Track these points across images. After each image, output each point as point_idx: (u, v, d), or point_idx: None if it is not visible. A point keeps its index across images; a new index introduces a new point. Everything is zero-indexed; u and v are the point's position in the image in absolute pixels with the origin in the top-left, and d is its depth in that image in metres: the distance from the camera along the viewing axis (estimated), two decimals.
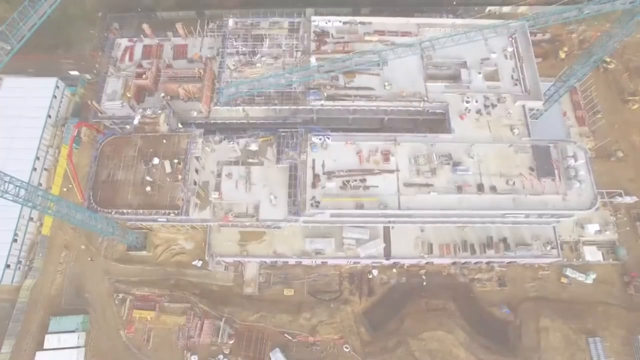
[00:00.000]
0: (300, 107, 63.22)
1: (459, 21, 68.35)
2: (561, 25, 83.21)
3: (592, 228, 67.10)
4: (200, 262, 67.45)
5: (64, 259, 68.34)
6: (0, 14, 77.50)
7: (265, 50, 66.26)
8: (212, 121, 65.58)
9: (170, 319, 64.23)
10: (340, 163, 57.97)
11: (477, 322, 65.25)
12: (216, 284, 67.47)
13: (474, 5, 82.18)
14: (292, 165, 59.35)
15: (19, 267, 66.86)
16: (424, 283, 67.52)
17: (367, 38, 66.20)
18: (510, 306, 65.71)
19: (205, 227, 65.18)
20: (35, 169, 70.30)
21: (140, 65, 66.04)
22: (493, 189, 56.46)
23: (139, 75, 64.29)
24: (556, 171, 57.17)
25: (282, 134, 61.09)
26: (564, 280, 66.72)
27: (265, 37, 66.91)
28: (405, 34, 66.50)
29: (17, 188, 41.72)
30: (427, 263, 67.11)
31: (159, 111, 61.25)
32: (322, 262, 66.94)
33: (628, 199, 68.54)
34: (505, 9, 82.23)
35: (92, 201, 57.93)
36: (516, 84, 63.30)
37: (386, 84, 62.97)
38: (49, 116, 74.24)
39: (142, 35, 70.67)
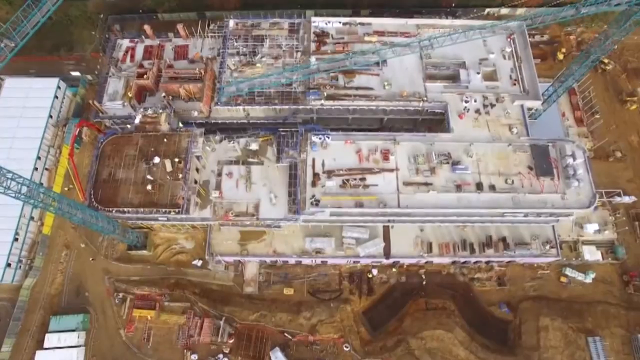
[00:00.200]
0: (300, 107, 63.57)
1: (457, 22, 68.95)
2: (559, 27, 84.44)
3: (591, 228, 67.41)
4: (201, 261, 67.65)
5: (64, 258, 68.58)
6: (2, 15, 78.30)
7: (266, 51, 66.73)
8: (212, 121, 65.88)
9: (170, 318, 64.40)
10: (340, 162, 58.33)
11: (477, 321, 65.45)
12: (216, 284, 67.65)
13: (472, 7, 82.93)
14: (292, 164, 59.71)
15: (20, 266, 67.06)
16: (424, 282, 67.71)
17: (366, 39, 66.71)
18: (510, 305, 65.94)
19: (206, 226, 65.45)
20: (36, 169, 70.65)
21: (141, 66, 66.45)
22: (492, 187, 56.80)
23: (140, 75, 64.68)
24: (555, 170, 57.49)
25: (282, 133, 61.46)
26: (563, 279, 66.92)
27: (266, 38, 67.42)
28: (404, 34, 67.00)
29: (19, 185, 42.01)
30: (426, 262, 67.34)
31: (160, 110, 61.64)
32: (322, 262, 67.14)
33: (627, 199, 68.82)
34: (504, 11, 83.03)
35: (93, 200, 58.12)
36: (515, 84, 63.76)
37: (385, 84, 63.42)
38: (50, 116, 74.68)
39: (143, 36, 71.25)
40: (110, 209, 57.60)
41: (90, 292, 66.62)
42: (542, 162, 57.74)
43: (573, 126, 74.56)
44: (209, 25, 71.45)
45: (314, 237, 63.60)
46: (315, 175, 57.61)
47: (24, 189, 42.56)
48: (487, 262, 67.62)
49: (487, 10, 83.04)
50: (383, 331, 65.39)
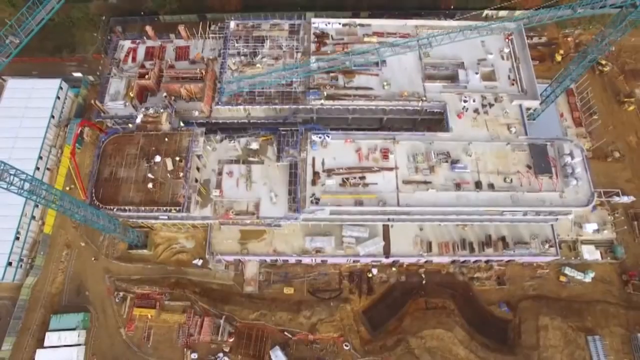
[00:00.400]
0: (301, 107, 64.11)
1: (455, 23, 69.44)
2: (557, 29, 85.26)
3: (590, 227, 67.81)
4: (201, 260, 67.89)
5: (65, 257, 68.81)
6: (5, 17, 79.01)
7: (266, 52, 67.40)
8: (213, 121, 66.41)
9: (171, 317, 64.56)
10: (340, 161, 58.72)
11: (477, 320, 65.57)
12: (216, 283, 67.84)
13: (471, 9, 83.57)
14: (293, 163, 60.12)
15: (21, 265, 67.36)
16: (424, 282, 67.88)
17: (366, 39, 67.37)
18: (510, 305, 66.09)
19: (206, 225, 65.73)
20: (38, 168, 71.11)
21: (142, 66, 67.03)
22: (491, 186, 57.12)
23: (141, 76, 65.27)
24: (553, 169, 57.83)
25: (283, 132, 61.92)
26: (562, 278, 67.13)
27: (266, 39, 68.10)
28: (403, 35, 67.65)
29: (22, 181, 42.39)
30: (426, 262, 67.57)
31: (161, 110, 62.11)
32: (322, 261, 67.40)
33: (625, 199, 69.21)
34: (502, 13, 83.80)
35: (94, 198, 58.44)
36: (513, 84, 64.34)
37: (385, 84, 63.97)
38: (52, 117, 75.29)
39: (144, 37, 71.90)
40: (112, 208, 57.87)
41: (91, 291, 66.81)
42: (541, 161, 58.13)
43: (571, 127, 75.20)
44: (210, 27, 72.23)
45: (314, 236, 63.89)
46: (315, 174, 57.98)
47: (27, 185, 42.92)
48: (487, 262, 67.84)
49: (486, 12, 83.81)
50: (383, 330, 65.49)
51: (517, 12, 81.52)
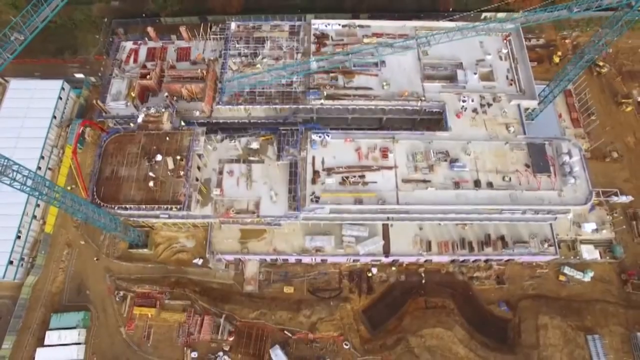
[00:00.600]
0: (301, 107, 64.57)
1: (454, 24, 70.06)
2: (555, 31, 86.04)
3: (589, 227, 68.12)
4: (201, 260, 68.10)
5: (66, 256, 69.02)
6: (8, 19, 79.73)
7: (267, 52, 67.99)
8: (214, 120, 66.86)
9: (171, 316, 64.62)
10: (340, 160, 59.08)
11: (476, 319, 65.68)
12: (216, 282, 68.03)
13: (470, 12, 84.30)
14: (293, 162, 60.53)
15: (22, 264, 67.59)
16: (423, 281, 68.04)
17: (365, 40, 67.95)
18: (509, 304, 66.24)
19: (206, 225, 66.02)
20: (39, 168, 71.42)
21: (144, 66, 67.64)
22: (490, 185, 57.47)
23: (143, 76, 65.84)
24: (552, 168, 58.23)
25: (283, 132, 62.38)
26: (562, 278, 67.31)
27: (267, 40, 68.75)
28: (402, 36, 68.13)
29: (25, 177, 42.77)
30: (425, 261, 67.78)
31: (163, 109, 62.58)
32: (321, 260, 67.62)
33: (623, 199, 69.52)
34: (500, 16, 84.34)
35: (95, 196, 58.78)
36: (511, 84, 64.93)
37: (384, 84, 64.52)
38: (54, 117, 75.84)
39: (146, 39, 72.57)
40: (113, 206, 58.18)
41: (92, 290, 66.97)
42: (539, 160, 58.54)
43: (570, 127, 75.70)
44: (211, 28, 72.95)
45: (313, 236, 64.13)
46: (315, 173, 58.36)
47: (29, 182, 43.29)
48: (486, 261, 68.07)
49: (484, 15, 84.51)
50: (383, 329, 65.58)
51: (516, 15, 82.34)
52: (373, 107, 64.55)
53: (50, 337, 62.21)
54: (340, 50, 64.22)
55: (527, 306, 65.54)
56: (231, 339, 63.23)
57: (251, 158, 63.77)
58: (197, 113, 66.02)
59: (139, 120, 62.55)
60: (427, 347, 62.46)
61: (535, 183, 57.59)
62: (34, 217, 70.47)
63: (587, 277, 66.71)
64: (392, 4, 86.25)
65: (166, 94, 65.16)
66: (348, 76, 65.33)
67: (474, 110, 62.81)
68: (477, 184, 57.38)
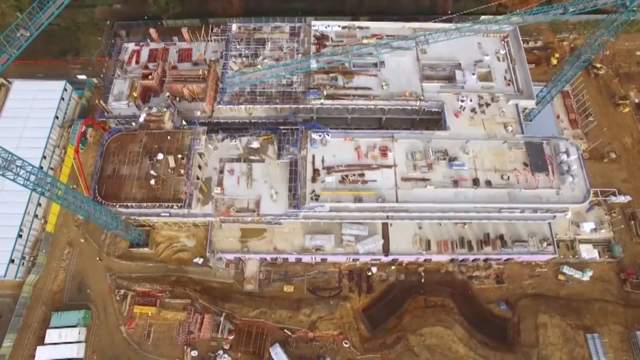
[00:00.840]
0: (301, 106, 65.28)
1: (452, 26, 70.94)
2: (553, 33, 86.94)
3: (588, 226, 68.42)
4: (202, 259, 68.30)
5: (67, 255, 69.30)
6: (12, 22, 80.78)
7: (267, 53, 68.87)
8: (215, 120, 67.52)
9: (171, 315, 64.72)
10: (340, 158, 59.72)
11: (476, 318, 65.73)
12: (217, 281, 68.21)
13: (468, 14, 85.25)
14: (293, 161, 61.03)
15: (23, 263, 67.84)
16: (423, 280, 68.21)
17: (365, 42, 68.75)
18: (509, 303, 66.33)
19: (207, 224, 66.35)
20: (41, 168, 71.73)
21: (146, 67, 68.41)
22: (488, 183, 57.98)
23: (145, 76, 66.60)
24: (550, 166, 58.74)
25: (283, 131, 62.94)
26: (561, 277, 67.49)
27: (268, 41, 69.64)
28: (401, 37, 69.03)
29: (28, 173, 43.24)
30: (425, 260, 68.02)
31: (164, 109, 63.20)
32: (321, 259, 67.86)
33: (622, 199, 69.92)
34: (499, 18, 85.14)
35: (97, 195, 59.20)
36: (509, 84, 65.66)
37: (383, 84, 65.23)
38: (56, 117, 76.46)
39: (148, 40, 73.43)
40: (114, 204, 58.58)
41: (92, 289, 67.17)
42: (537, 159, 59.09)
43: (568, 128, 76.28)
44: (212, 30, 73.84)
45: (313, 235, 64.40)
46: (315, 171, 58.90)
47: (32, 178, 43.74)
48: (486, 260, 68.29)
49: (482, 17, 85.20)
50: (382, 328, 65.66)
51: (514, 18, 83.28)
52: (372, 107, 65.24)
53: (51, 335, 62.28)
54: (340, 49, 64.74)
55: (526, 305, 65.66)
56: (231, 337, 63.36)
57: (252, 157, 64.31)
58: (199, 113, 66.71)
59: (141, 119, 63.18)
60: (426, 345, 62.57)
61: (534, 181, 58.10)
62: (36, 216, 70.87)
63: (586, 276, 66.92)
64: (392, 6, 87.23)
65: (168, 94, 65.88)
66: (348, 76, 66.12)
67: (473, 110, 63.51)
68: (475, 182, 57.90)
